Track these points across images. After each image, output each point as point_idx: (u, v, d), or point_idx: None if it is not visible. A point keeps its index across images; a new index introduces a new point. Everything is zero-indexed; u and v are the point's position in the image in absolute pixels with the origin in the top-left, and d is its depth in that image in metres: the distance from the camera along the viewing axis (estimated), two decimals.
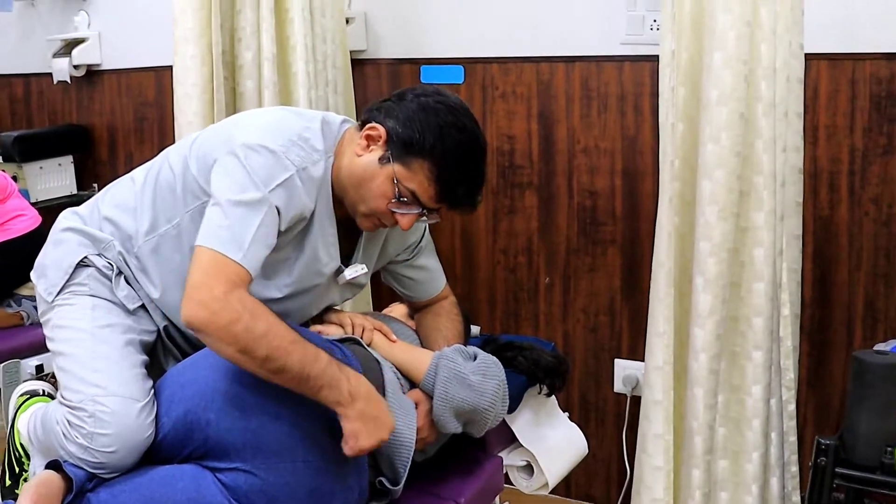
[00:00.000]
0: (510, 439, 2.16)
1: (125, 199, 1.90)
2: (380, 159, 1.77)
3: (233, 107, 2.95)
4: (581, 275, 2.95)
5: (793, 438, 2.46)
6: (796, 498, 2.47)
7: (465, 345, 2.01)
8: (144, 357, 1.81)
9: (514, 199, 3.02)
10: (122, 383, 1.69)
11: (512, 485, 2.20)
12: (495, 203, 3.04)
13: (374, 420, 1.66)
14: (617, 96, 2.82)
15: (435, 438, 1.91)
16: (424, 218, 1.84)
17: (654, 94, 2.59)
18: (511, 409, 2.08)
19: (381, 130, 1.78)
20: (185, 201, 1.80)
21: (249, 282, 1.63)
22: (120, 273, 1.85)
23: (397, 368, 1.92)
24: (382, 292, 3.11)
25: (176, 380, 1.75)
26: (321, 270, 1.86)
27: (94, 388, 1.67)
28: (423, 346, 2.04)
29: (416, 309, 2.15)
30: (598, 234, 2.91)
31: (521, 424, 2.15)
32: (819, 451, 2.14)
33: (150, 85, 3.60)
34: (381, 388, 1.80)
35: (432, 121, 1.76)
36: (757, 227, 2.28)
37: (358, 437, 1.63)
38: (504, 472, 2.14)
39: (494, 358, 1.95)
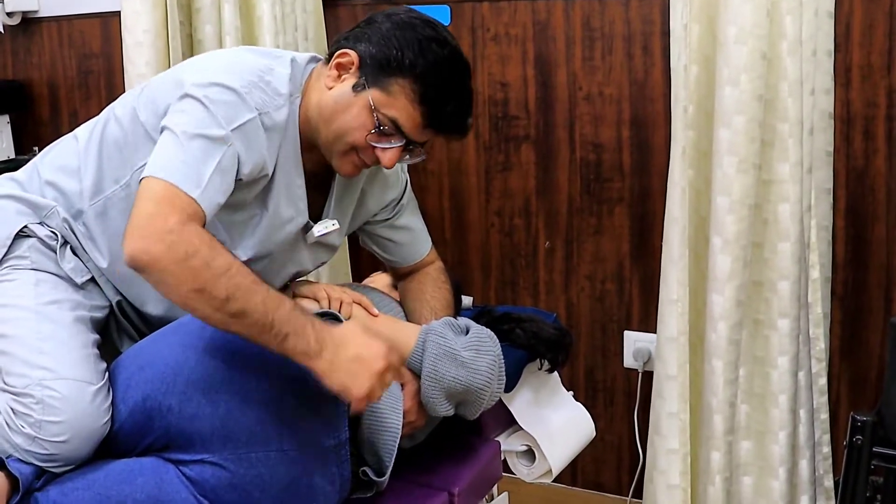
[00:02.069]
0: (509, 422, 2.17)
1: (67, 159, 1.88)
2: (353, 87, 1.77)
3: (190, 55, 2.92)
4: (585, 238, 2.95)
5: (824, 416, 2.48)
6: (829, 482, 2.48)
7: (455, 316, 2.01)
8: (96, 336, 1.80)
9: (508, 155, 3.00)
10: (73, 365, 1.68)
11: (511, 473, 2.21)
12: (488, 159, 3.03)
13: (358, 361, 1.60)
14: (623, 36, 2.80)
15: (424, 422, 1.92)
16: (408, 157, 1.84)
17: (665, 33, 2.58)
18: (509, 388, 2.09)
19: (353, 55, 1.78)
20: (133, 158, 1.79)
21: (204, 223, 1.61)
22: (66, 243, 1.84)
23: None
24: (362, 262, 3.10)
25: (133, 361, 1.74)
26: (287, 227, 1.85)
27: (41, 370, 1.66)
28: (408, 319, 2.04)
29: (400, 277, 2.15)
30: (603, 192, 2.90)
31: (520, 405, 2.15)
32: (854, 429, 2.14)
33: (95, 34, 3.56)
34: None
35: (409, 35, 1.76)
36: (782, 180, 2.28)
37: (349, 389, 1.59)
38: (502, 458, 2.15)
39: (489, 331, 1.95)
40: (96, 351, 1.76)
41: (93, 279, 1.86)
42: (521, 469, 2.19)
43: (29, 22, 3.69)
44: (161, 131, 1.69)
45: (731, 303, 2.29)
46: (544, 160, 2.96)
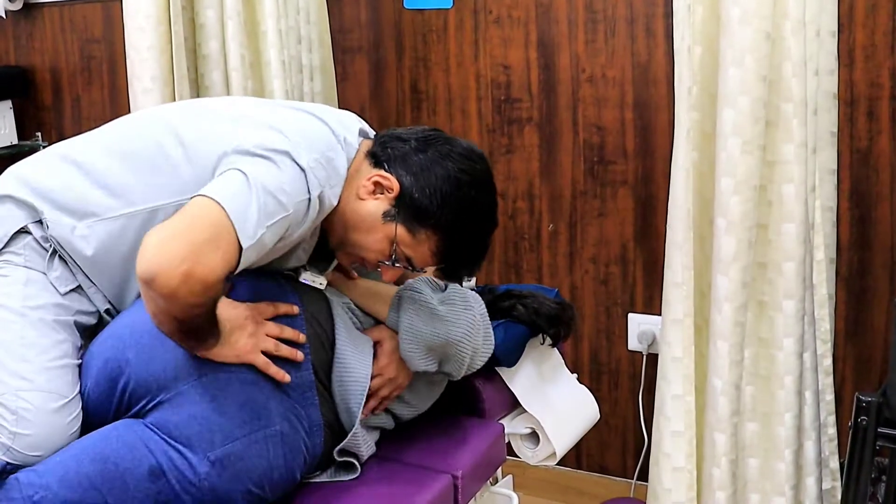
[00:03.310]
0: (512, 404, 2.17)
1: (91, 162, 1.82)
2: (384, 214, 1.76)
3: (192, 40, 2.91)
4: (589, 220, 2.95)
5: (830, 397, 2.47)
6: (835, 464, 2.48)
7: None
8: (79, 343, 1.78)
9: (511, 137, 3.00)
10: (49, 377, 1.67)
11: (515, 455, 2.21)
12: (490, 142, 3.02)
13: (231, 332, 1.69)
14: (626, 18, 2.79)
15: (408, 380, 1.93)
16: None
17: (668, 15, 2.57)
18: (511, 363, 2.09)
19: (395, 184, 1.76)
20: (169, 188, 1.75)
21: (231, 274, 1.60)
22: (55, 253, 1.78)
23: (358, 307, 1.94)
24: None
25: (95, 342, 1.77)
26: (282, 265, 1.87)
27: (19, 380, 1.65)
28: None
29: None
30: (607, 175, 2.90)
31: (523, 385, 2.15)
32: (859, 410, 2.13)
33: (97, 19, 3.56)
34: (331, 326, 1.84)
35: (454, 196, 1.75)
36: (786, 161, 2.27)
37: (239, 356, 1.69)
38: (506, 441, 2.15)
39: (471, 291, 1.97)
40: (76, 361, 1.74)
41: (79, 287, 1.83)
42: (525, 452, 2.19)
43: (31, 7, 3.69)
44: (225, 169, 1.65)
45: (736, 284, 2.28)
46: (547, 143, 2.96)
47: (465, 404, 2.12)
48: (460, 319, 1.88)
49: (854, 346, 2.68)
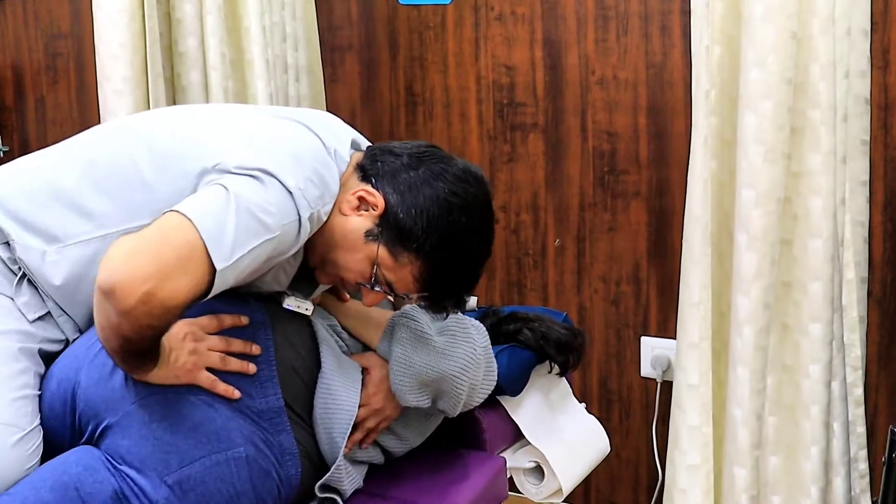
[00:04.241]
0: (515, 436, 2.17)
1: (57, 181, 1.81)
2: (367, 233, 1.76)
3: (168, 36, 2.92)
4: (599, 235, 2.95)
5: (861, 429, 2.47)
6: (866, 502, 2.48)
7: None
8: (42, 370, 1.78)
9: (515, 145, 3.00)
10: (9, 409, 1.67)
11: (518, 492, 2.20)
12: (492, 149, 3.03)
13: (171, 351, 1.67)
14: (639, 15, 2.80)
15: (396, 412, 1.92)
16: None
17: (686, 12, 2.58)
18: (515, 392, 2.09)
19: (380, 200, 1.76)
20: (145, 208, 1.73)
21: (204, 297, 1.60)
22: (24, 276, 1.78)
23: (349, 331, 1.94)
24: None
25: (56, 361, 1.77)
26: (261, 287, 1.86)
27: None
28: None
29: None
30: (618, 185, 2.90)
31: (528, 416, 2.15)
32: (894, 444, 2.14)
33: (63, 12, 3.56)
34: (311, 347, 1.84)
35: (442, 220, 1.74)
36: (813, 171, 2.27)
37: (179, 377, 1.67)
38: (508, 476, 2.14)
39: (474, 320, 1.97)
40: (36, 392, 1.74)
41: (48, 314, 1.83)
42: (528, 488, 2.18)
43: None
44: (208, 183, 1.65)
45: (758, 305, 2.28)
46: (554, 150, 2.96)
47: (463, 435, 2.12)
48: (457, 352, 1.87)
49: (888, 373, 2.67)
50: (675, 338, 2.47)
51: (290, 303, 1.87)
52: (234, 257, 1.56)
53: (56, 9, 3.57)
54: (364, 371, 1.90)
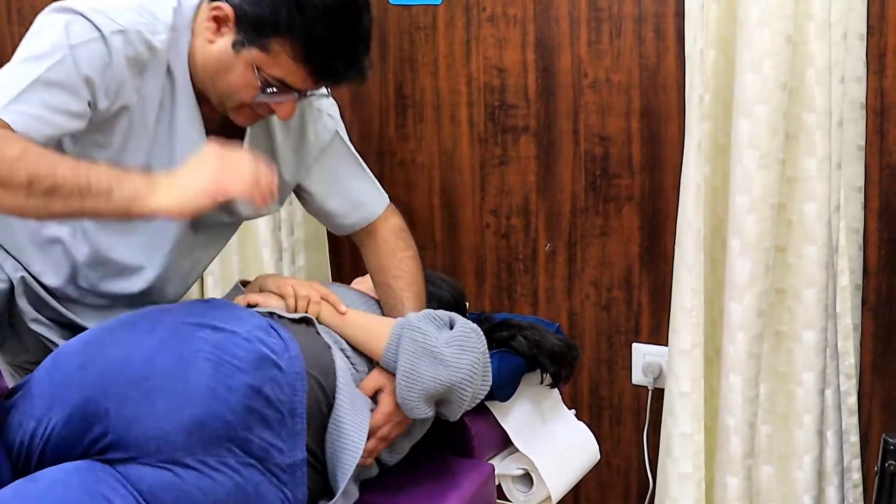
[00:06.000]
0: (504, 442, 2.16)
1: None
2: (233, 45, 1.77)
3: None
4: (590, 240, 2.94)
5: (854, 438, 2.47)
6: None
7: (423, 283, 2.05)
8: None
9: (505, 148, 3.00)
10: None
11: (506, 499, 2.20)
12: (483, 152, 3.02)
13: (194, 173, 1.61)
14: (633, 17, 2.80)
15: (406, 427, 1.92)
16: (309, 100, 1.85)
17: (680, 14, 2.57)
18: (504, 398, 2.09)
19: (228, 10, 1.77)
20: None
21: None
22: None
23: (352, 345, 1.93)
24: (344, 265, 3.09)
25: (72, 359, 1.71)
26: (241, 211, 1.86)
27: None
28: (383, 312, 2.07)
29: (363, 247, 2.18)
30: (610, 190, 2.90)
31: (516, 423, 2.15)
32: (887, 453, 2.14)
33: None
34: (333, 381, 1.81)
35: None
36: (807, 176, 2.28)
37: (205, 187, 1.59)
38: (496, 483, 2.14)
39: (474, 325, 1.95)
40: None
41: None
42: (517, 496, 2.18)
43: None
44: None
45: (751, 312, 2.28)
46: (545, 154, 2.95)
47: (451, 442, 2.11)
48: (462, 361, 1.86)
49: (882, 382, 2.67)
50: (667, 344, 2.47)
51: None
52: (11, 95, 1.64)
53: (41, 4, 3.55)
54: (377, 392, 1.90)
